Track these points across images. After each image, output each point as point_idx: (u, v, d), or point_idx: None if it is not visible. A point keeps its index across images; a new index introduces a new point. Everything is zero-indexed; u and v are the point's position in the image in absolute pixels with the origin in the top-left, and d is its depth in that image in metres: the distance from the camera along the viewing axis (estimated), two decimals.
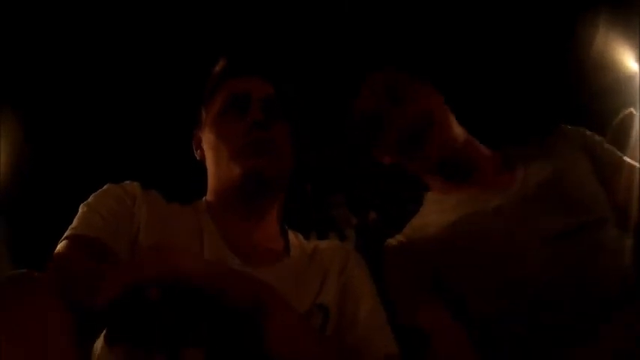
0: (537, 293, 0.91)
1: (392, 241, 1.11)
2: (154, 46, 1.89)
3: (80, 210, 0.88)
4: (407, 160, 1.17)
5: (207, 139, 1.03)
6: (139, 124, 1.97)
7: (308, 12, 1.79)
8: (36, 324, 0.59)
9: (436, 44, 1.57)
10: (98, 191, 0.93)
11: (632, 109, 1.58)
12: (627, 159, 1.09)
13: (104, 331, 0.72)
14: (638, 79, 2.19)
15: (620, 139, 1.47)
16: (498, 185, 1.06)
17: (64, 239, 0.83)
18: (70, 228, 0.85)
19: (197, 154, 1.09)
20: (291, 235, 1.05)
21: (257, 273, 0.83)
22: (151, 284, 0.61)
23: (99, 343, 0.76)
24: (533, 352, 0.90)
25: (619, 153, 1.10)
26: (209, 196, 1.04)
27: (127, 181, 0.96)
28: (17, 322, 0.58)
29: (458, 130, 1.11)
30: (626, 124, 1.54)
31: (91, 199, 0.91)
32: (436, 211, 1.10)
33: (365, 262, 1.02)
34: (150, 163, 1.83)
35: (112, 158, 1.95)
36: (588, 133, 1.12)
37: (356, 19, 1.79)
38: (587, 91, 1.89)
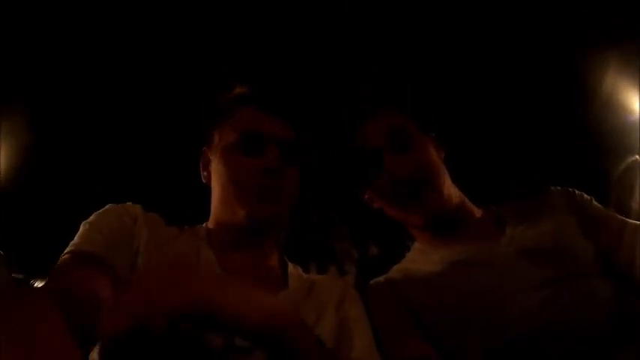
0: (520, 339, 0.90)
1: (376, 282, 1.11)
2: (167, 62, 1.90)
3: (81, 227, 0.90)
4: (397, 209, 1.16)
5: (215, 169, 1.03)
6: (144, 137, 1.97)
7: (328, 51, 1.81)
8: (36, 326, 0.60)
9: (444, 101, 1.59)
10: (100, 210, 0.94)
11: (637, 157, 1.58)
12: (616, 215, 1.10)
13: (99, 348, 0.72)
14: None
15: (626, 187, 1.46)
16: (486, 241, 1.07)
17: (64, 255, 0.84)
18: (70, 244, 0.86)
19: (203, 176, 1.08)
20: (290, 266, 1.05)
21: None
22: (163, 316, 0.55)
23: (95, 354, 0.76)
24: None
25: (607, 210, 1.12)
26: (211, 224, 1.04)
27: (129, 203, 0.98)
28: (17, 323, 0.59)
29: (452, 190, 1.13)
30: (631, 171, 1.53)
31: (92, 217, 0.92)
32: (422, 262, 1.10)
33: (361, 298, 1.02)
34: (152, 178, 1.84)
35: (114, 170, 1.96)
36: (577, 192, 1.14)
37: (375, 61, 1.81)
38: (594, 134, 1.89)
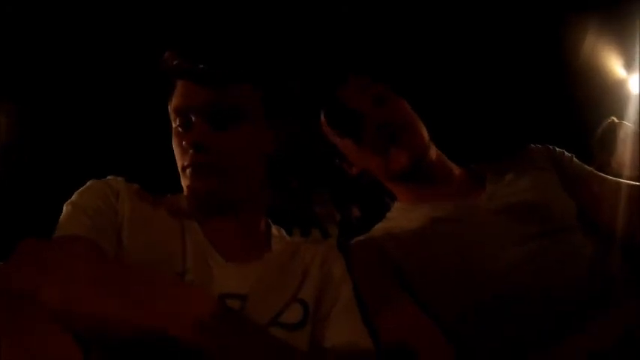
0: (506, 295, 0.91)
1: (358, 240, 1.11)
2: (145, 43, 1.86)
3: (65, 209, 0.87)
4: (379, 159, 1.15)
5: None
6: (128, 117, 1.95)
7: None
8: (35, 326, 0.61)
9: (415, 56, 1.58)
10: (82, 188, 0.91)
11: (613, 118, 1.61)
12: (597, 172, 1.11)
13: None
14: (626, 86, 2.21)
15: (606, 147, 1.49)
16: (467, 197, 1.07)
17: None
18: (57, 228, 0.83)
19: None
20: (273, 229, 1.06)
21: (241, 269, 0.89)
22: None
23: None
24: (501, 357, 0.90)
25: (588, 167, 1.12)
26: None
27: (111, 176, 0.95)
28: (17, 323, 0.60)
29: (429, 142, 1.13)
30: (609, 132, 1.56)
31: (75, 197, 0.89)
32: (403, 219, 1.10)
33: (344, 260, 1.02)
34: (136, 151, 1.81)
35: (97, 146, 1.93)
36: (557, 150, 1.14)
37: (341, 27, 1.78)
38: (575, 97, 1.91)
